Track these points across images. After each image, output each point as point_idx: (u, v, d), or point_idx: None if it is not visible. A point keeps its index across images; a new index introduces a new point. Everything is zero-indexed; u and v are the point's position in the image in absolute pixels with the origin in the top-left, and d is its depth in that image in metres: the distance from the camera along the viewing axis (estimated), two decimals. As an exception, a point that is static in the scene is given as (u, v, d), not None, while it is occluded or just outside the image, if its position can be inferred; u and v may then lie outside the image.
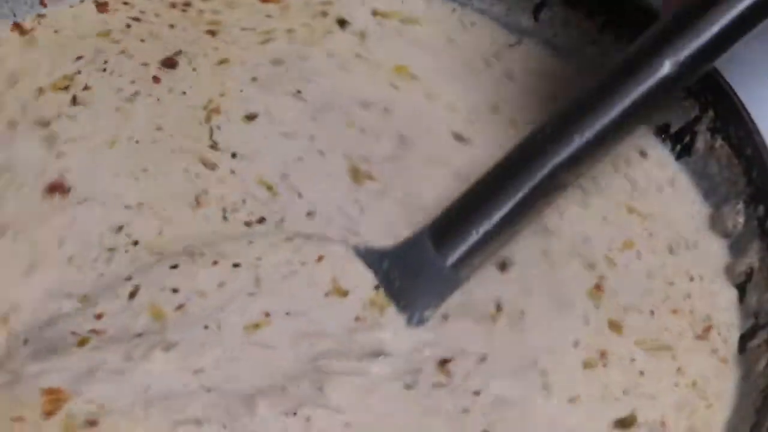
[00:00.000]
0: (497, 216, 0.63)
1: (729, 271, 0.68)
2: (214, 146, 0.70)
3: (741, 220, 0.68)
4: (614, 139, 0.62)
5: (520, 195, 0.63)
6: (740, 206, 0.68)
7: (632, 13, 0.74)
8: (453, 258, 0.64)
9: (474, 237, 0.63)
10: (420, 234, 0.65)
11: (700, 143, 0.71)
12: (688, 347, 0.65)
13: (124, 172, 0.68)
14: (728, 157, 0.70)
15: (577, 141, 0.61)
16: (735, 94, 0.70)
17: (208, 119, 0.71)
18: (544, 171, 0.62)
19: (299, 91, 0.73)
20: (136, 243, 0.65)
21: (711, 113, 0.71)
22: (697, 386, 0.63)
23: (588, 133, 0.61)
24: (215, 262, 0.64)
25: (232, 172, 0.69)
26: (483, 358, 0.63)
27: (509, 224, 0.64)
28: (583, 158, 0.62)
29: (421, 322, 0.63)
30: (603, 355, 0.64)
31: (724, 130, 0.70)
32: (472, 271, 0.65)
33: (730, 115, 0.70)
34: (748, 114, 0.69)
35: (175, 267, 0.64)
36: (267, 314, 0.63)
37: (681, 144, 0.72)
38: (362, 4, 0.79)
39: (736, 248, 0.68)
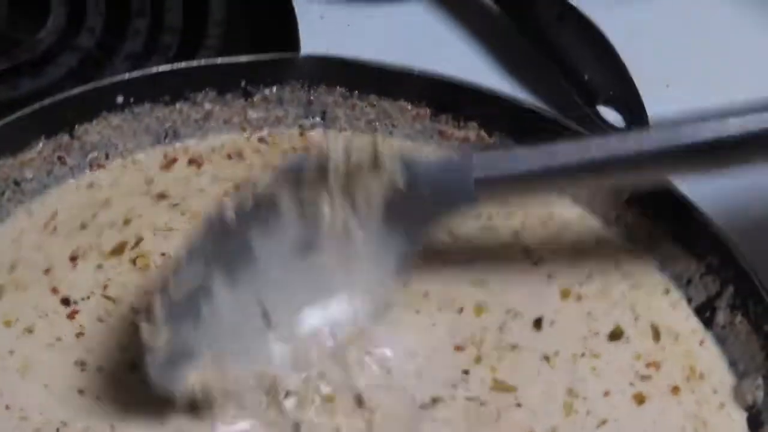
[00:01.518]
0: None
1: (746, 444, 0.69)
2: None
3: (761, 394, 0.70)
4: None
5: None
6: (759, 381, 0.70)
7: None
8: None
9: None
10: None
11: (720, 318, 0.74)
12: None
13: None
14: (747, 333, 0.72)
15: None
16: (754, 271, 0.72)
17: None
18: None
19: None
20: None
21: (731, 289, 0.73)
22: None
23: None
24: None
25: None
26: None
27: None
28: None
29: None
30: None
31: (744, 307, 0.72)
32: None
33: (750, 292, 0.72)
34: (767, 291, 0.71)
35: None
36: None
37: (702, 318, 0.75)
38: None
39: (755, 422, 0.70)
